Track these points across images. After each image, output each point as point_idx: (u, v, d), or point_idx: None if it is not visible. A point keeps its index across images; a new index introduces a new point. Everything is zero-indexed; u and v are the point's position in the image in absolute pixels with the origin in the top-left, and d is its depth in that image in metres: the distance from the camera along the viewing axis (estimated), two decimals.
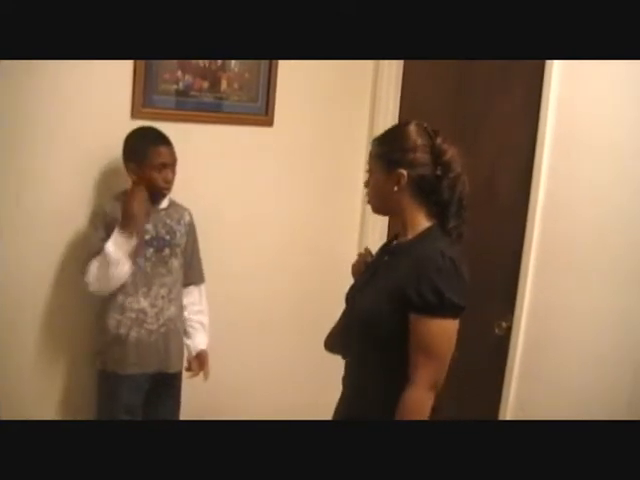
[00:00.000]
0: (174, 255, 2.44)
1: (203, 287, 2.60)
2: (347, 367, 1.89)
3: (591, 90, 2.14)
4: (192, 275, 2.56)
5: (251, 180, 2.83)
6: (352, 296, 1.88)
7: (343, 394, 1.91)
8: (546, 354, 2.26)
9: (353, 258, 3.09)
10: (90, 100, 2.43)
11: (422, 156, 1.71)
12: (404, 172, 1.71)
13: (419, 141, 1.71)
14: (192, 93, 2.62)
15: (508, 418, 2.36)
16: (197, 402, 2.64)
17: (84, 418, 2.51)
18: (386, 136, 1.80)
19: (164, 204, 2.44)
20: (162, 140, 2.36)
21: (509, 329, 2.36)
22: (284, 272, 2.97)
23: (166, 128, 2.53)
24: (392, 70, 2.90)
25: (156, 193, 2.38)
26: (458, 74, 2.64)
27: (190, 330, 2.56)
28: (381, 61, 2.92)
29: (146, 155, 2.33)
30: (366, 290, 1.80)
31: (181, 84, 2.60)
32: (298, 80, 2.79)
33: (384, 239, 2.98)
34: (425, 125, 1.74)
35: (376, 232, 3.01)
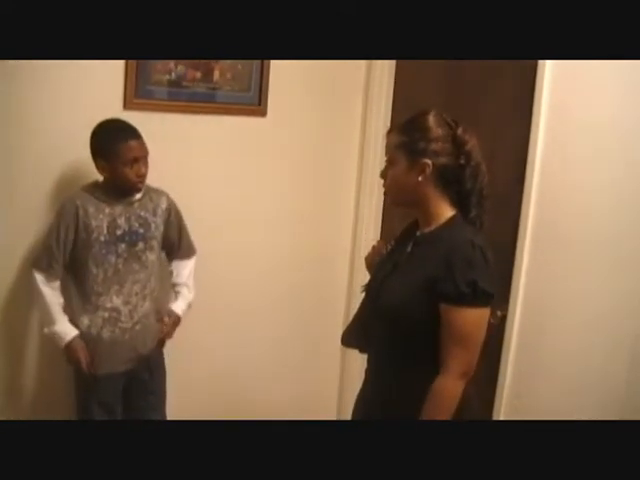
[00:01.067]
0: (149, 248, 2.38)
1: (194, 259, 2.57)
2: (373, 359, 1.87)
3: (584, 84, 2.14)
4: (182, 252, 2.53)
5: (244, 170, 2.82)
6: (374, 288, 1.83)
7: (367, 386, 1.89)
8: (541, 342, 2.27)
9: (346, 249, 3.14)
10: (82, 92, 2.41)
11: (445, 146, 1.70)
12: (429, 162, 1.69)
13: (440, 131, 1.70)
14: (185, 84, 2.61)
15: (504, 407, 2.37)
16: (187, 400, 2.65)
17: (60, 417, 2.48)
18: (407, 126, 1.76)
19: (138, 195, 2.37)
20: (131, 134, 2.28)
21: (504, 318, 2.37)
22: (276, 264, 2.96)
23: (159, 119, 2.54)
24: (385, 62, 2.88)
25: (130, 190, 2.33)
26: (451, 72, 2.63)
27: (173, 295, 2.53)
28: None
29: (116, 151, 2.24)
30: (391, 282, 1.76)
31: (173, 75, 2.58)
32: (291, 70, 2.77)
33: (378, 230, 2.98)
34: (444, 115, 1.73)
35: (370, 223, 3.01)
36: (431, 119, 1.72)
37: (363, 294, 1.91)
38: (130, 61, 2.46)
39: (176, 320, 2.50)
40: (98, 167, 2.30)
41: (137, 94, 2.50)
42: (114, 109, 2.43)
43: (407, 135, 1.73)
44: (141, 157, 2.29)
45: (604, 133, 2.07)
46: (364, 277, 1.99)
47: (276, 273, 2.96)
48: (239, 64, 2.69)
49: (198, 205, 2.67)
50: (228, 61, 2.67)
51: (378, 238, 2.89)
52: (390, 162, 1.78)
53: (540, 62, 2.22)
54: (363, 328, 1.87)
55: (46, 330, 2.31)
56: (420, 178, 1.71)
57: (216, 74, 2.66)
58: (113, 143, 2.26)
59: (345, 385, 3.10)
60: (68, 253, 2.29)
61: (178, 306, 2.51)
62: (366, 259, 2.02)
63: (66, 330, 2.29)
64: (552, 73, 2.20)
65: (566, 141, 2.19)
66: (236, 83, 2.71)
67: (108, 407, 2.36)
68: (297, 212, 2.97)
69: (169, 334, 2.49)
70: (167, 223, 2.45)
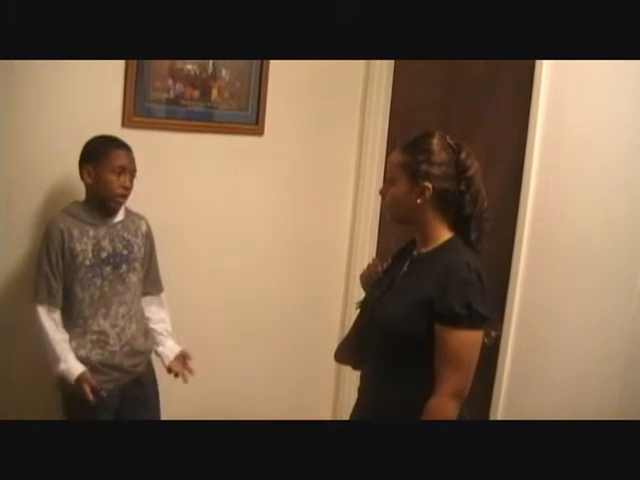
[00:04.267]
0: (132, 270, 2.35)
1: (163, 296, 2.50)
2: (366, 376, 1.87)
3: (581, 90, 2.15)
4: (149, 285, 2.46)
5: (241, 189, 2.83)
6: (369, 306, 1.85)
7: (361, 403, 1.89)
8: (536, 363, 2.27)
9: (342, 267, 3.15)
10: (81, 109, 2.43)
11: (447, 170, 1.71)
12: (429, 185, 1.71)
13: (444, 155, 1.72)
14: (183, 102, 2.62)
15: None
16: (181, 408, 2.63)
17: None
18: (410, 147, 1.76)
19: (120, 216, 2.33)
20: (123, 145, 2.28)
21: (498, 338, 2.38)
22: (272, 281, 2.97)
23: (157, 137, 2.55)
24: (382, 80, 2.92)
25: (111, 202, 2.27)
26: (448, 76, 2.66)
27: (158, 338, 2.46)
28: (371, 71, 2.94)
29: (105, 156, 2.23)
30: (386, 300, 1.78)
31: (172, 93, 2.59)
32: (288, 89, 2.80)
33: (374, 249, 3.00)
34: (448, 138, 1.75)
35: (366, 242, 3.02)
36: (435, 142, 1.73)
37: (358, 310, 1.92)
38: (129, 78, 2.47)
39: (187, 355, 2.43)
40: (83, 173, 2.26)
41: (136, 112, 2.52)
42: (113, 127, 2.44)
43: (410, 156, 1.74)
44: (129, 169, 2.27)
45: (603, 140, 2.08)
46: (359, 291, 2.00)
47: (273, 288, 2.97)
48: (237, 82, 2.71)
49: (195, 222, 2.68)
50: (226, 79, 2.69)
51: (374, 255, 2.90)
52: (391, 181, 1.79)
53: (537, 65, 2.24)
54: (357, 345, 1.88)
55: (55, 370, 2.23)
56: (419, 200, 1.72)
57: (214, 93, 2.68)
58: (103, 148, 2.25)
59: (340, 393, 3.13)
60: (62, 278, 2.25)
61: (175, 345, 2.45)
62: (361, 277, 2.02)
63: (72, 368, 2.20)
64: (549, 77, 2.22)
65: (563, 150, 2.19)
66: (234, 102, 2.73)
67: None
68: (294, 229, 2.98)
69: (190, 370, 2.42)
70: (145, 247, 2.41)
